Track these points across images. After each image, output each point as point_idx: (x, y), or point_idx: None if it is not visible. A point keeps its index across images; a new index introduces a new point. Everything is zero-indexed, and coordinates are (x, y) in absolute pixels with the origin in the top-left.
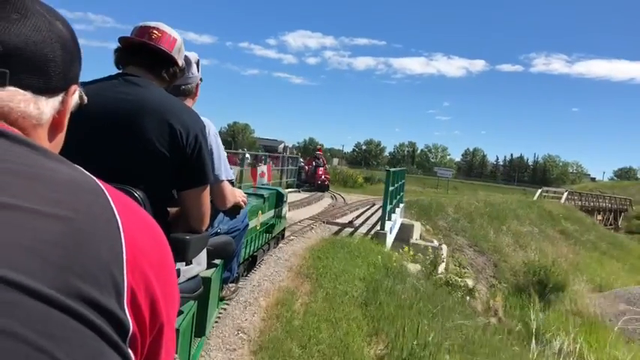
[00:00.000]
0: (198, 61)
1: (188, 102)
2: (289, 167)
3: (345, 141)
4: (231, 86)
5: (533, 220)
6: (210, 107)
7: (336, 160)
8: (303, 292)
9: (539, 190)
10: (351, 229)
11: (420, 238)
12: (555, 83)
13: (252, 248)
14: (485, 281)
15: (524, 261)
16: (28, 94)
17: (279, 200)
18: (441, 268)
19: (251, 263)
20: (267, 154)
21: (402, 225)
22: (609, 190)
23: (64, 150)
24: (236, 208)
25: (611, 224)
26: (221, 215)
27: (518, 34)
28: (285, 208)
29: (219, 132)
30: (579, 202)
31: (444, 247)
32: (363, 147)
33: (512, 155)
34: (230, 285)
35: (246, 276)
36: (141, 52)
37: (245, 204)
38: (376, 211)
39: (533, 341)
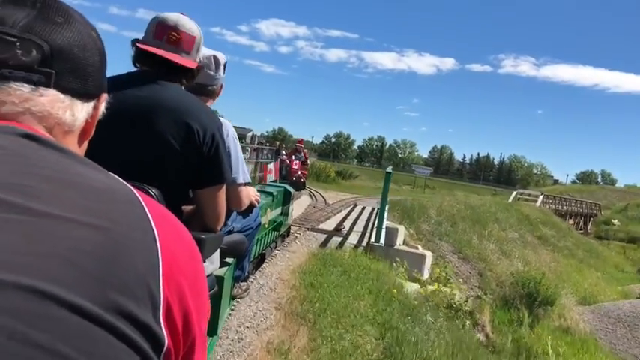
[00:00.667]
0: (226, 62)
1: (208, 102)
2: (265, 160)
3: (314, 132)
4: None
5: (512, 224)
6: None
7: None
8: (300, 348)
9: (515, 193)
10: (339, 238)
11: (404, 244)
12: (522, 85)
13: (261, 246)
14: (471, 291)
15: (511, 272)
16: (66, 100)
17: (286, 198)
18: (426, 274)
19: (259, 261)
20: (267, 147)
21: (387, 229)
22: (578, 194)
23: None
24: (249, 207)
25: (581, 229)
26: (234, 213)
27: (489, 35)
28: (291, 207)
29: None
30: (553, 206)
31: (429, 253)
32: (333, 139)
33: (478, 154)
34: (241, 283)
35: (254, 274)
36: (158, 60)
37: (258, 203)
38: (361, 213)
39: None
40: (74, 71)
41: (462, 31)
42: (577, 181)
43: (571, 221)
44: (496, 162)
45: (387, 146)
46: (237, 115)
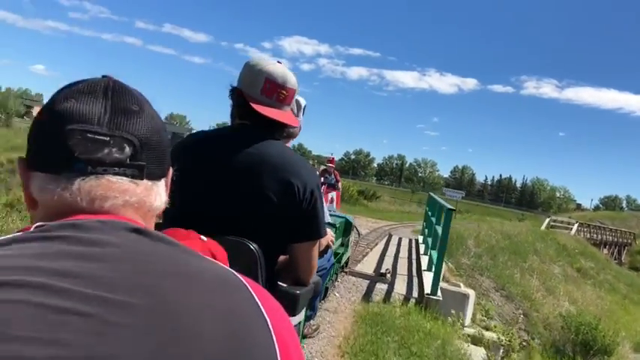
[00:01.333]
0: (305, 106)
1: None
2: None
3: (333, 149)
4: (222, 86)
5: (552, 256)
6: (200, 107)
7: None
8: None
9: (547, 219)
10: (384, 285)
11: (444, 280)
12: (544, 107)
13: (326, 281)
14: (517, 335)
15: (559, 313)
16: (154, 187)
17: (347, 229)
18: (468, 319)
19: (323, 295)
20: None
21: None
22: (609, 221)
23: (183, 199)
24: (325, 248)
25: (615, 259)
26: None
27: (512, 57)
28: (351, 238)
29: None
30: (588, 235)
31: (471, 292)
32: (352, 156)
33: (500, 175)
34: (311, 322)
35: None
36: (263, 118)
37: (332, 243)
38: (398, 246)
39: None
40: (157, 158)
41: (484, 52)
42: (601, 205)
43: (605, 250)
44: (518, 184)
45: (407, 164)
46: None
